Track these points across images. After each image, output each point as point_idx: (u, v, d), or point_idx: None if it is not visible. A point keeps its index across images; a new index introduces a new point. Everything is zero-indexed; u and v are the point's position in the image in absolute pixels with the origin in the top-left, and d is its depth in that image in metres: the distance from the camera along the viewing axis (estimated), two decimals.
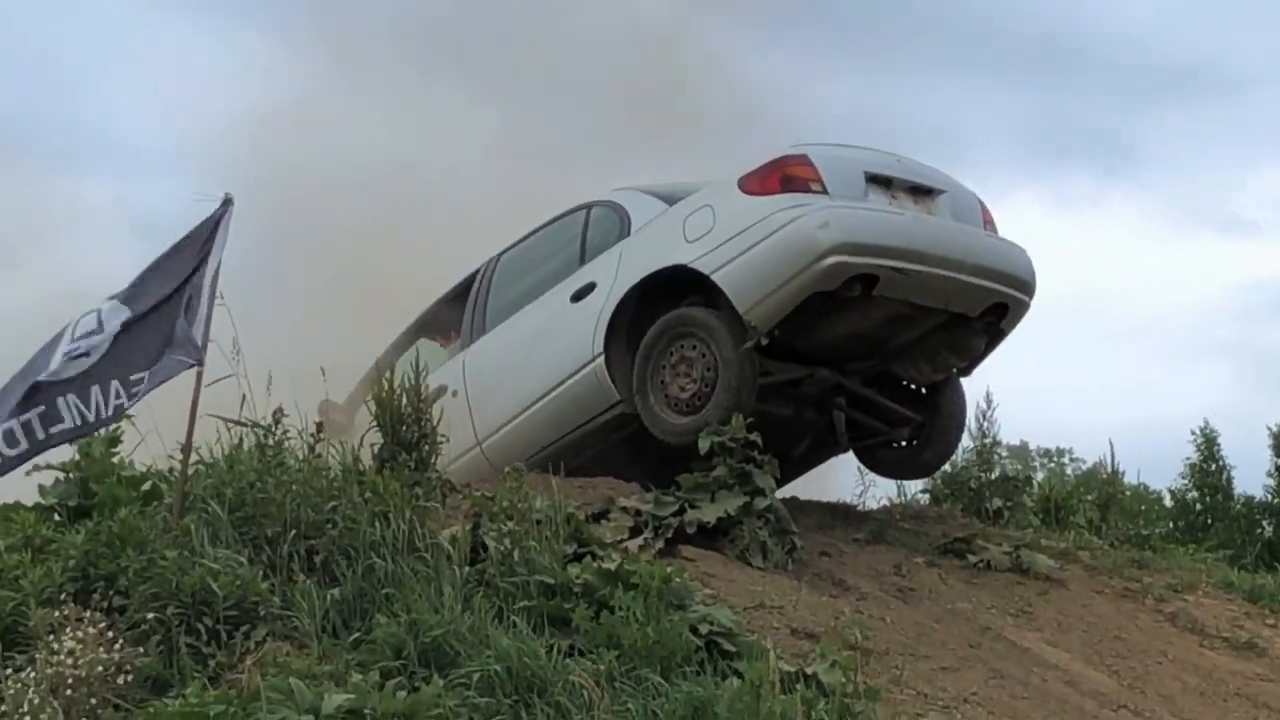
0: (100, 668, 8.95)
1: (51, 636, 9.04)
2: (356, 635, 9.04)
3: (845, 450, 13.13)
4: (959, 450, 13.31)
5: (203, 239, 10.50)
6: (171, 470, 10.34)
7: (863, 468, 13.30)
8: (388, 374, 11.79)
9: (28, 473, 10.72)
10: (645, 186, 12.58)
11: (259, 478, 10.18)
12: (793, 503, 11.90)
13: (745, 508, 10.87)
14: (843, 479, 13.48)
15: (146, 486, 10.37)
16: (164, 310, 10.54)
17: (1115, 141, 71.13)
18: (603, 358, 11.91)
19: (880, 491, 13.53)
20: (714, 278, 11.49)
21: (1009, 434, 13.19)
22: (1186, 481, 35.20)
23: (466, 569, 9.55)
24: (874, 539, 12.13)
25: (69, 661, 8.94)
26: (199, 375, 10.25)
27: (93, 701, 8.78)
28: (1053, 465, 12.44)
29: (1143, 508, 16.37)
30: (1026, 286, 12.26)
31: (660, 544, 10.42)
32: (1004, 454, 12.79)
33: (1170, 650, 11.27)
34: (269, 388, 10.97)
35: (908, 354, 12.50)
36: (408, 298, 13.94)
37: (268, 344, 10.76)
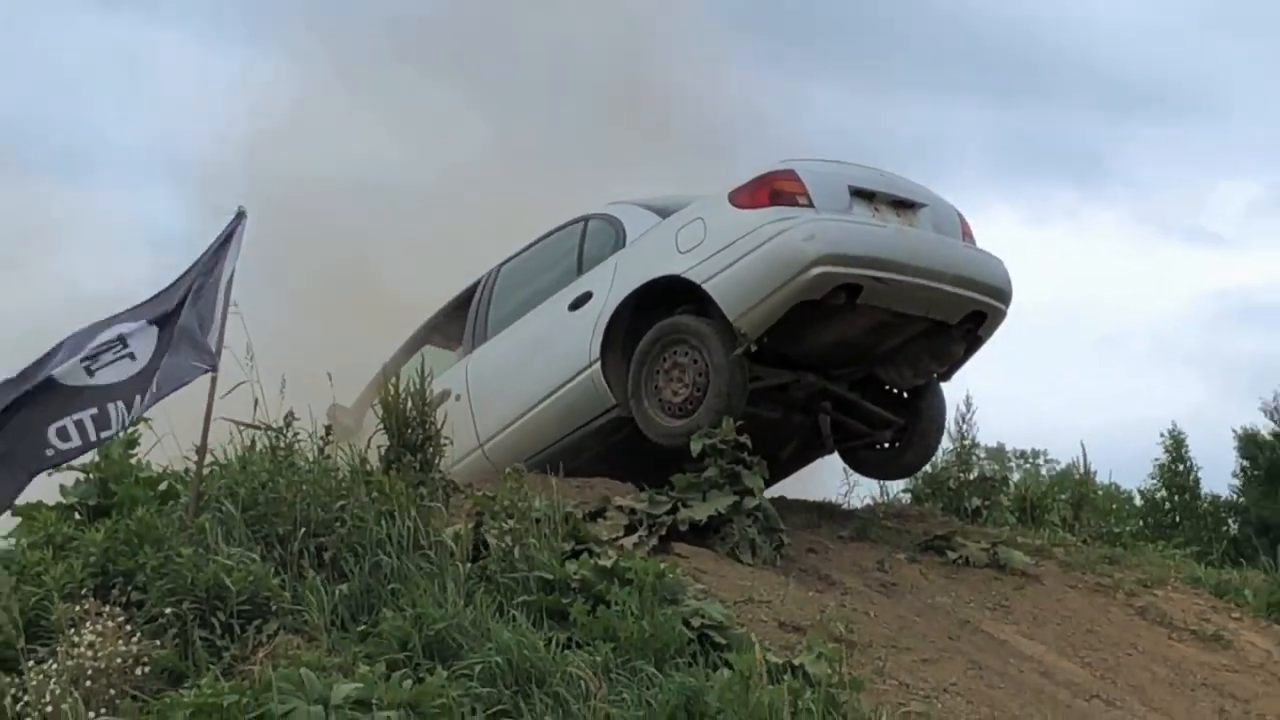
0: (119, 660, 9.02)
1: (72, 630, 9.13)
2: (364, 629, 9.15)
3: (830, 452, 13.34)
4: (939, 452, 13.46)
5: (210, 257, 10.45)
6: (187, 471, 10.46)
7: (847, 468, 13.52)
8: (394, 379, 11.91)
9: (49, 473, 10.77)
10: (639, 200, 12.77)
11: (271, 478, 10.30)
12: (780, 502, 12.10)
13: (735, 506, 11.06)
14: (828, 479, 13.61)
15: (163, 487, 10.54)
16: (180, 320, 10.52)
17: (1088, 157, 71.16)
18: (599, 364, 12.05)
19: (864, 491, 13.65)
20: (705, 287, 11.65)
21: (986, 436, 13.52)
22: (1156, 481, 35.67)
23: (469, 565, 9.68)
24: (858, 536, 12.37)
25: (89, 654, 8.98)
26: (213, 380, 10.36)
27: (111, 692, 8.81)
28: (1028, 466, 12.65)
29: (1114, 506, 16.58)
30: (1003, 295, 12.49)
31: (654, 541, 10.59)
32: (982, 455, 13.04)
33: (1140, 642, 11.53)
34: (282, 391, 11.14)
35: (890, 360, 12.69)
36: (408, 300, 13.90)
37: (273, 348, 10.81)
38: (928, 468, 13.74)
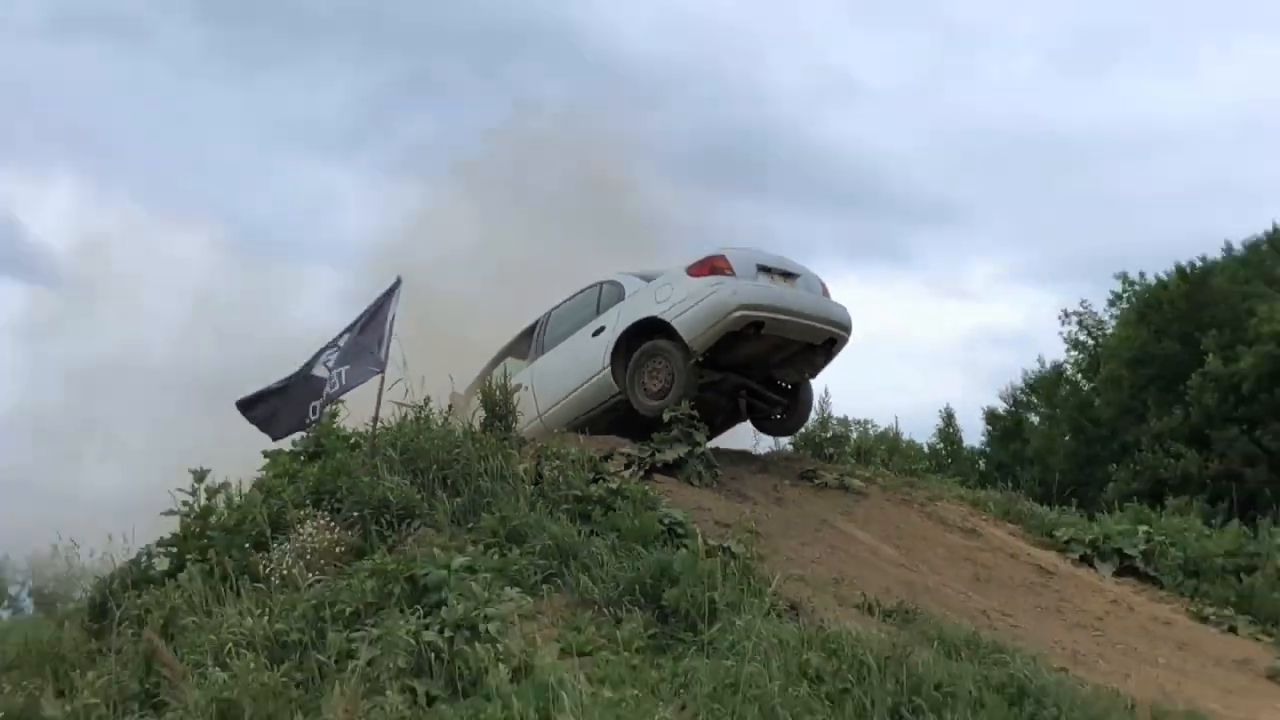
0: (325, 544, 9.22)
1: (299, 526, 9.49)
2: (470, 525, 9.46)
3: (745, 420, 13.81)
4: (809, 420, 13.93)
5: (378, 304, 11.18)
6: (366, 432, 11.07)
7: (755, 430, 14.03)
8: (488, 378, 12.85)
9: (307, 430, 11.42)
10: (632, 271, 13.32)
11: (414, 436, 10.82)
12: (716, 450, 12.65)
13: (689, 453, 11.63)
14: (743, 436, 14.24)
15: (352, 441, 11.29)
16: (360, 346, 11.18)
17: (896, 246, 73.55)
18: (609, 368, 12.51)
19: (765, 444, 14.26)
20: (673, 323, 12.10)
21: (837, 411, 14.07)
22: (936, 438, 36.72)
23: (532, 487, 10.07)
24: (761, 470, 12.94)
25: (309, 540, 9.24)
26: (382, 378, 11.20)
27: (321, 563, 8.98)
28: (861, 429, 12.71)
29: (912, 453, 16.74)
30: (847, 328, 13.05)
31: (641, 473, 11.07)
32: (835, 422, 13.39)
33: (928, 533, 12.08)
34: (423, 384, 11.61)
35: (780, 366, 13.29)
36: (488, 333, 14.51)
37: (416, 359, 11.64)
38: (802, 430, 14.15)
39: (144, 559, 9.87)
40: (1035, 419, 46.20)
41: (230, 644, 7.34)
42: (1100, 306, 45.73)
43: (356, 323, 11.46)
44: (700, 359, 12.17)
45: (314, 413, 11.14)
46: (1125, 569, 11.78)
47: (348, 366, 11.26)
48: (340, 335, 11.46)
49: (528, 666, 6.89)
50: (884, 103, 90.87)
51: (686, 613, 7.87)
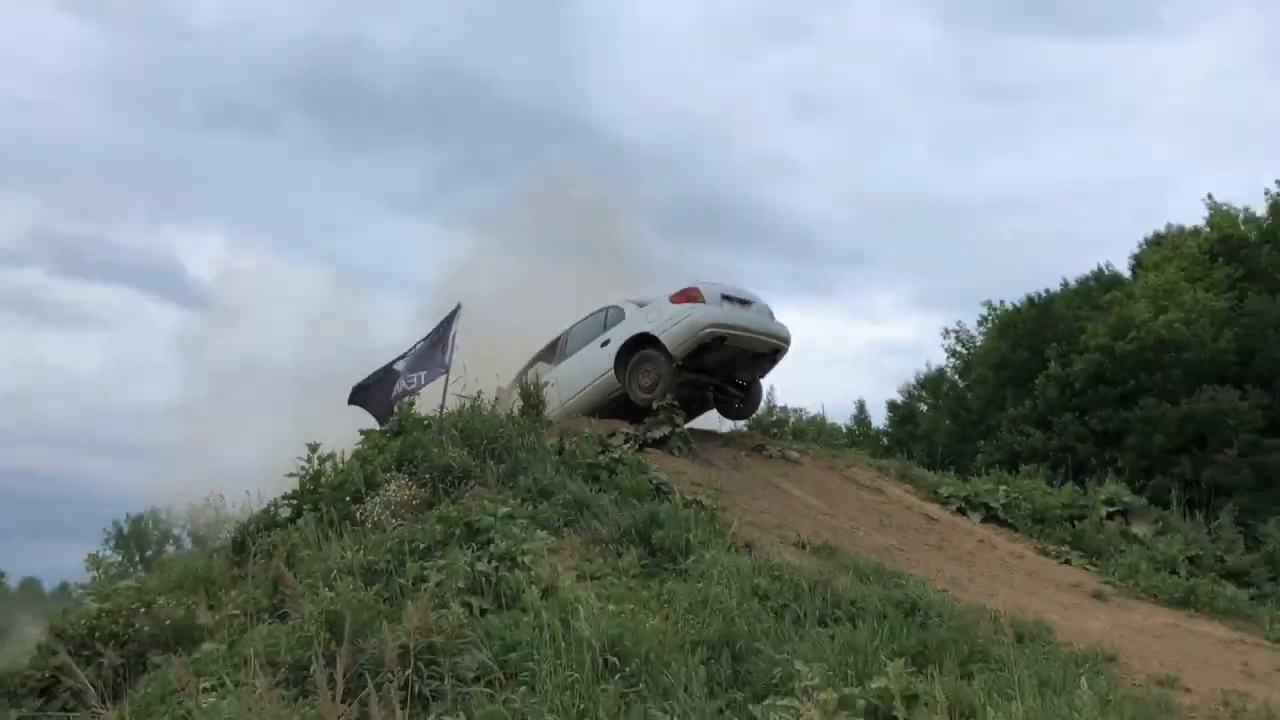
0: (405, 498, 9.14)
1: (386, 484, 9.36)
2: (512, 485, 9.41)
3: (712, 408, 13.52)
4: (759, 408, 13.53)
5: (443, 322, 11.12)
6: (436, 416, 10.80)
7: (720, 416, 13.70)
8: (525, 376, 12.55)
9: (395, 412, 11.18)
10: (630, 298, 13.06)
11: (470, 419, 10.70)
12: (692, 430, 12.38)
13: (671, 432, 11.55)
14: (711, 420, 13.89)
15: (426, 423, 10.71)
16: (431, 353, 11.07)
17: (822, 283, 74.02)
18: (613, 370, 12.35)
19: (727, 425, 13.80)
20: (660, 338, 12.05)
21: (780, 401, 13.97)
22: (852, 422, 36.72)
23: (557, 457, 10.09)
24: (724, 445, 12.76)
25: (393, 495, 9.14)
26: (447, 378, 11.20)
27: (401, 511, 8.92)
28: (797, 415, 12.64)
29: (833, 433, 16.53)
30: (788, 341, 12.92)
31: (636, 447, 11.00)
32: (778, 410, 13.27)
33: (846, 491, 11.96)
34: (476, 382, 11.50)
35: (739, 369, 13.03)
36: (518, 344, 14.25)
37: (472, 363, 11.45)
38: (754, 415, 13.69)
39: (272, 509, 9.82)
40: (924, 408, 46.51)
41: (335, 571, 7.37)
42: (971, 325, 45.99)
43: (426, 337, 11.54)
44: (679, 364, 12.03)
45: (395, 403, 11.11)
46: (989, 517, 11.68)
47: (423, 371, 11.34)
48: (415, 345, 11.51)
49: (553, 588, 6.89)
50: (813, 176, 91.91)
51: (669, 549, 7.93)
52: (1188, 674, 7.10)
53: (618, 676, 5.48)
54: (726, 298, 12.40)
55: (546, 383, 12.19)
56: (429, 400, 11.29)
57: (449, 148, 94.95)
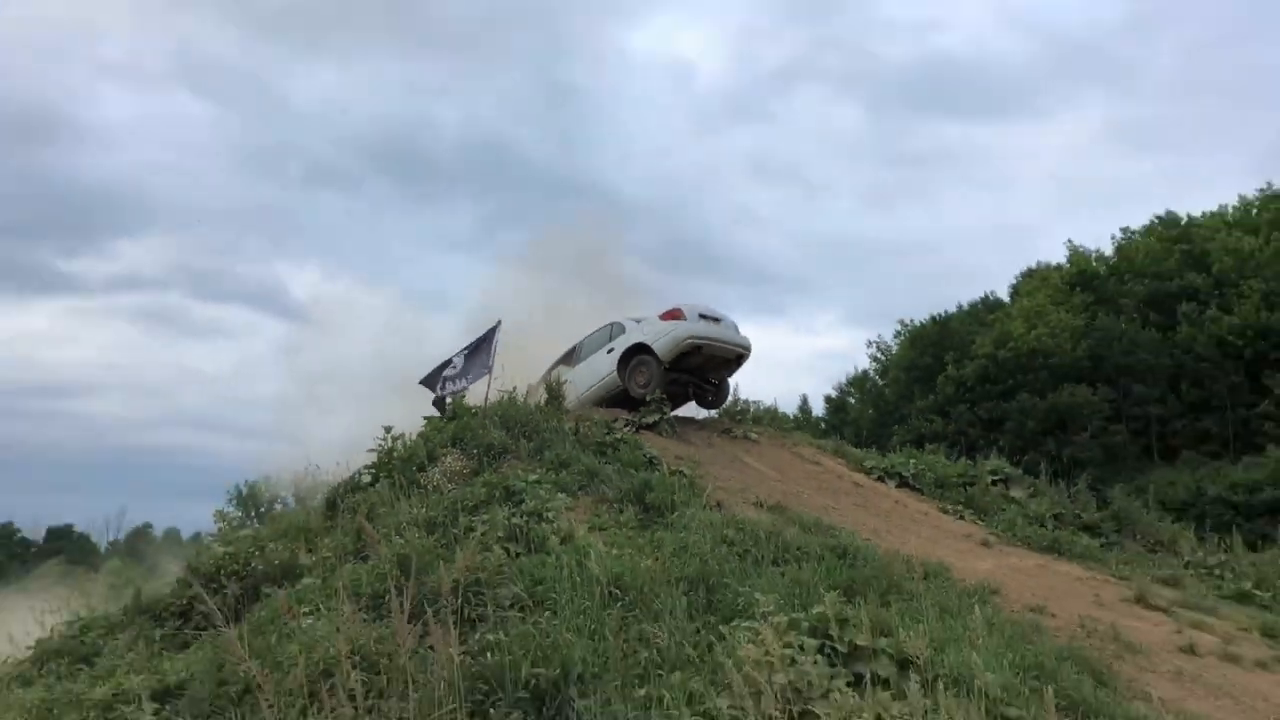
0: (458, 468, 8.89)
1: (444, 457, 9.20)
2: (539, 458, 9.22)
3: (692, 400, 13.08)
4: (728, 400, 13.02)
5: (487, 333, 10.98)
6: (481, 408, 10.62)
7: (698, 406, 13.15)
8: (549, 376, 12.34)
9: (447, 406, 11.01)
10: (629, 316, 12.65)
11: (508, 408, 10.52)
12: (677, 417, 12.06)
13: (661, 418, 11.33)
14: (692, 409, 13.60)
15: (474, 411, 10.56)
16: (477, 357, 10.90)
17: (774, 305, 75.25)
18: (616, 371, 12.05)
19: (702, 414, 13.14)
20: (652, 346, 11.81)
21: (743, 395, 13.70)
22: (798, 411, 36.60)
23: (573, 436, 9.92)
24: (701, 428, 12.40)
25: (449, 466, 8.95)
26: (490, 377, 10.95)
27: (455, 478, 8.65)
28: (756, 406, 12.33)
29: (784, 419, 16.20)
30: (749, 350, 12.69)
31: (634, 430, 10.76)
32: (742, 402, 13.01)
33: (793, 463, 11.63)
34: (512, 379, 11.34)
35: (712, 370, 12.82)
36: (548, 351, 14.17)
37: (509, 367, 11.33)
38: (724, 406, 13.02)
39: (356, 476, 9.73)
40: (852, 400, 46.68)
41: (404, 523, 7.30)
42: (889, 337, 46.42)
43: (471, 344, 11.40)
44: (667, 366, 11.84)
45: (447, 397, 10.96)
46: (902, 483, 11.50)
47: (471, 374, 11.24)
48: (463, 349, 11.36)
49: (570, 536, 6.88)
50: (769, 224, 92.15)
51: (659, 507, 7.88)
52: (1053, 603, 7.10)
53: (620, 604, 5.46)
54: (703, 315, 12.19)
55: (565, 381, 12.02)
56: (476, 394, 11.19)
57: (491, 201, 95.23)
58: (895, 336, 44.85)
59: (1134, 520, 11.38)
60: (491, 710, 4.41)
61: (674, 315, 12.01)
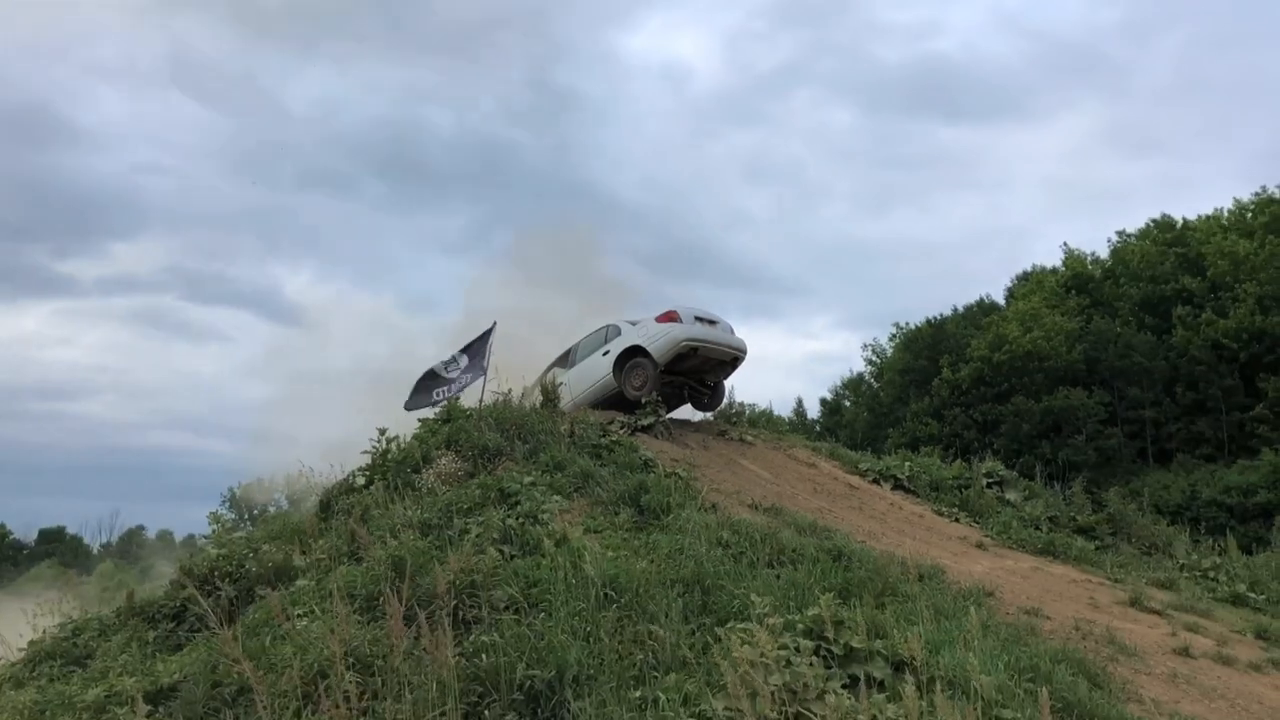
0: (452, 470, 8.79)
1: (438, 459, 9.11)
2: (534, 460, 9.15)
3: (687, 403, 13.11)
4: (723, 403, 12.93)
5: (482, 336, 10.90)
6: (476, 410, 10.49)
7: (693, 409, 13.19)
8: (544, 378, 12.32)
9: (434, 409, 10.84)
10: (625, 319, 12.55)
11: (503, 410, 10.50)
12: (672, 419, 12.08)
13: (656, 420, 11.31)
14: (687, 411, 13.61)
15: (468, 412, 10.37)
16: (474, 359, 10.83)
17: (769, 307, 74.81)
18: (612, 373, 11.97)
19: (698, 416, 13.09)
20: (648, 348, 11.74)
21: (739, 398, 13.66)
22: (793, 414, 36.33)
23: (568, 439, 9.85)
24: (696, 430, 12.35)
25: (443, 468, 8.80)
26: (485, 379, 10.93)
27: (450, 480, 8.60)
28: (751, 408, 12.30)
29: (779, 422, 16.14)
30: (745, 352, 12.65)
31: (629, 432, 10.76)
32: (737, 404, 12.94)
33: (788, 465, 11.59)
34: (508, 382, 11.40)
35: (707, 373, 12.77)
36: (544, 353, 14.19)
37: (503, 368, 11.32)
38: (719, 408, 12.98)
39: (350, 478, 9.68)
40: (847, 403, 46.77)
41: (398, 525, 7.27)
42: (884, 340, 46.59)
43: (467, 347, 11.28)
44: (662, 368, 11.78)
45: (439, 397, 10.88)
46: (897, 486, 11.41)
47: (468, 375, 11.16)
48: (458, 352, 11.22)
49: (565, 538, 6.79)
50: (764, 227, 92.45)
51: (654, 509, 7.81)
52: (1048, 605, 7.08)
53: (615, 606, 5.42)
54: (698, 318, 12.11)
55: (561, 383, 11.97)
56: (470, 396, 11.05)
57: (485, 204, 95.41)
58: (890, 339, 45.05)
59: (1129, 523, 11.38)
60: (486, 712, 4.40)
61: (670, 317, 11.91)
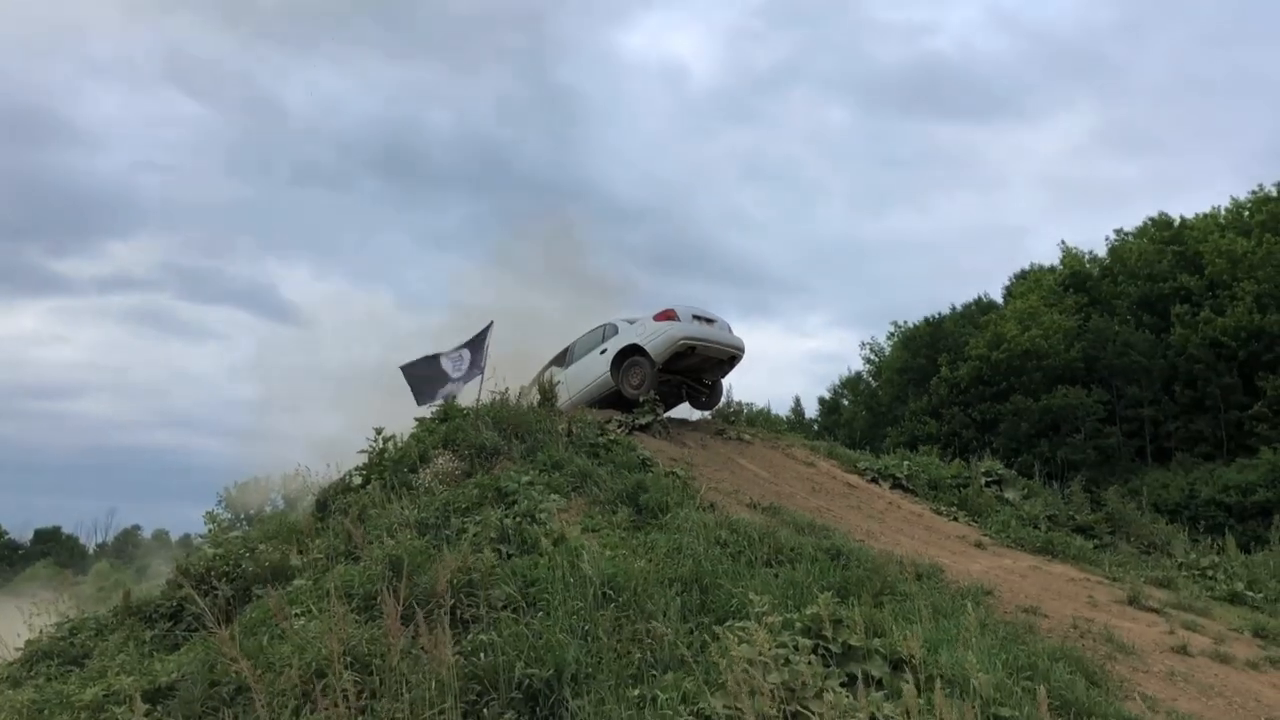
0: (450, 469, 8.92)
1: (435, 459, 9.17)
2: (532, 459, 9.18)
3: (685, 401, 13.21)
4: (721, 401, 12.98)
5: (479, 334, 10.90)
6: (473, 409, 10.64)
7: (691, 407, 13.29)
8: (541, 377, 12.35)
9: (431, 407, 10.96)
10: (622, 317, 12.58)
11: (501, 409, 10.50)
12: (670, 418, 12.22)
13: (654, 419, 11.37)
14: (685, 410, 13.67)
15: (465, 411, 10.56)
16: (474, 357, 10.87)
17: (764, 305, 75.55)
18: (609, 372, 12.00)
19: (696, 415, 13.22)
20: (645, 347, 11.77)
21: (736, 396, 13.62)
22: (790, 412, 36.34)
23: (566, 438, 9.86)
24: (694, 429, 12.42)
25: (440, 467, 8.87)
26: (482, 378, 10.81)
27: (447, 479, 8.63)
28: (749, 407, 12.33)
29: (776, 421, 16.18)
30: (742, 350, 12.70)
31: (627, 431, 10.82)
32: (735, 403, 12.88)
33: (786, 464, 11.57)
34: (505, 381, 11.45)
35: (705, 371, 12.82)
36: (536, 351, 14.20)
37: (500, 367, 11.38)
38: (717, 407, 13.00)
39: (347, 477, 9.73)
40: (845, 402, 46.82)
41: (395, 524, 7.28)
42: (882, 339, 46.67)
43: (465, 343, 11.50)
44: (660, 367, 11.79)
45: (439, 396, 10.94)
46: (896, 485, 11.38)
47: (465, 374, 11.19)
48: (455, 348, 11.45)
49: (563, 537, 6.79)
50: (761, 225, 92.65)
51: (652, 508, 7.82)
52: (1046, 604, 7.09)
53: (613, 605, 5.42)
54: (696, 316, 12.11)
55: (558, 382, 11.97)
56: (468, 395, 11.20)
57: (483, 202, 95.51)
58: (888, 338, 45.13)
59: (1127, 522, 11.40)
60: (485, 711, 4.41)
61: (668, 316, 11.91)
